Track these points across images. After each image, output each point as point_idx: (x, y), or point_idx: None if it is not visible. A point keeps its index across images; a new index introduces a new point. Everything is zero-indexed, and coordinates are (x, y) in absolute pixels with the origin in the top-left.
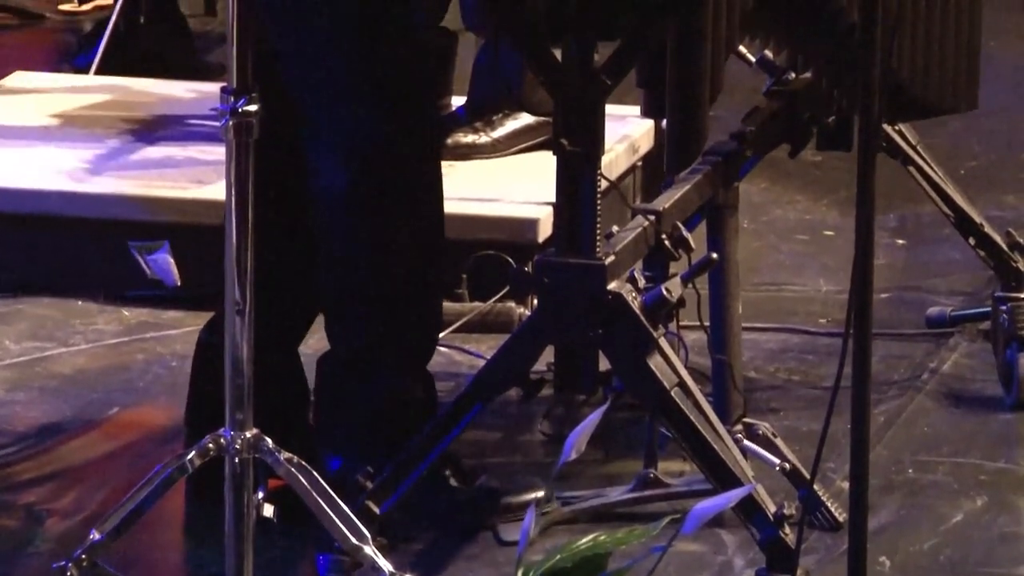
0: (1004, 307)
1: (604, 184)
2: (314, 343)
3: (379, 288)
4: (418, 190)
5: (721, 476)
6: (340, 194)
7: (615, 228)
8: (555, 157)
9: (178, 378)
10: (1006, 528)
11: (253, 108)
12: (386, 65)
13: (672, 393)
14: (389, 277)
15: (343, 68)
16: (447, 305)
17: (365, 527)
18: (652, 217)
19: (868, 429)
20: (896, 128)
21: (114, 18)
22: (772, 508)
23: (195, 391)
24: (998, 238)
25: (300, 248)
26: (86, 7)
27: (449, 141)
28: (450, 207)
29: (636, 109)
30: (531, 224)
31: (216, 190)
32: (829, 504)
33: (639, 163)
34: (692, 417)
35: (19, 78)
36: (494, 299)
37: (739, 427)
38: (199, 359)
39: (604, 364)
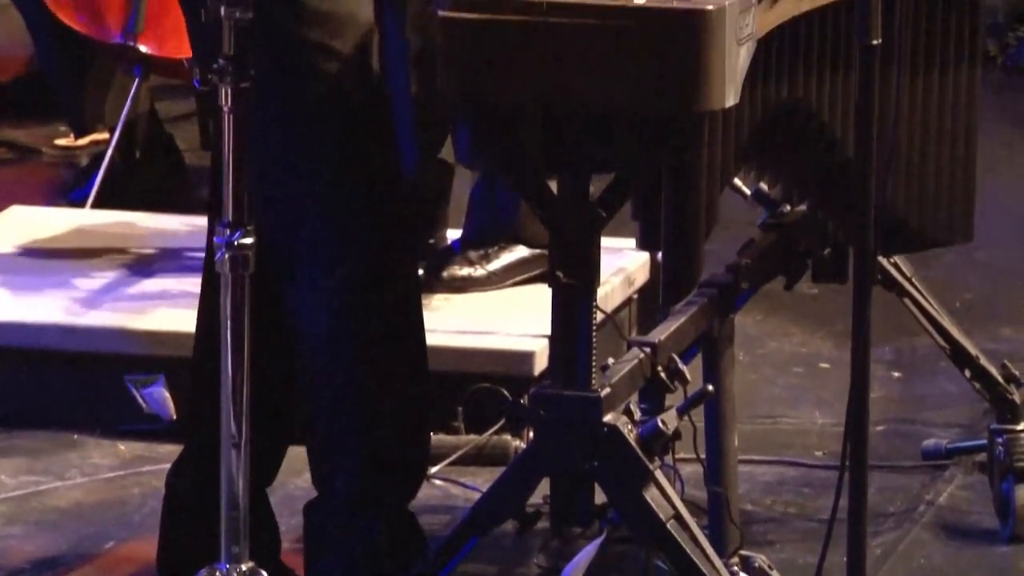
0: (1000, 439)
1: (600, 316)
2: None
3: (368, 427)
4: (401, 328)
5: None
6: (323, 335)
7: (611, 360)
8: (551, 289)
9: None
10: None
11: (248, 241)
12: (366, 209)
13: (668, 526)
14: (376, 415)
15: (323, 211)
16: (443, 438)
17: None
18: (648, 349)
19: (865, 562)
20: (891, 260)
21: (110, 152)
22: None
23: (165, 537)
24: (994, 370)
25: (275, 387)
26: (82, 142)
27: (445, 274)
28: (446, 340)
29: (632, 242)
30: (527, 357)
31: None
32: None
33: (635, 295)
34: (689, 550)
35: (15, 212)
36: (490, 432)
37: (736, 560)
38: (168, 504)
39: (600, 497)
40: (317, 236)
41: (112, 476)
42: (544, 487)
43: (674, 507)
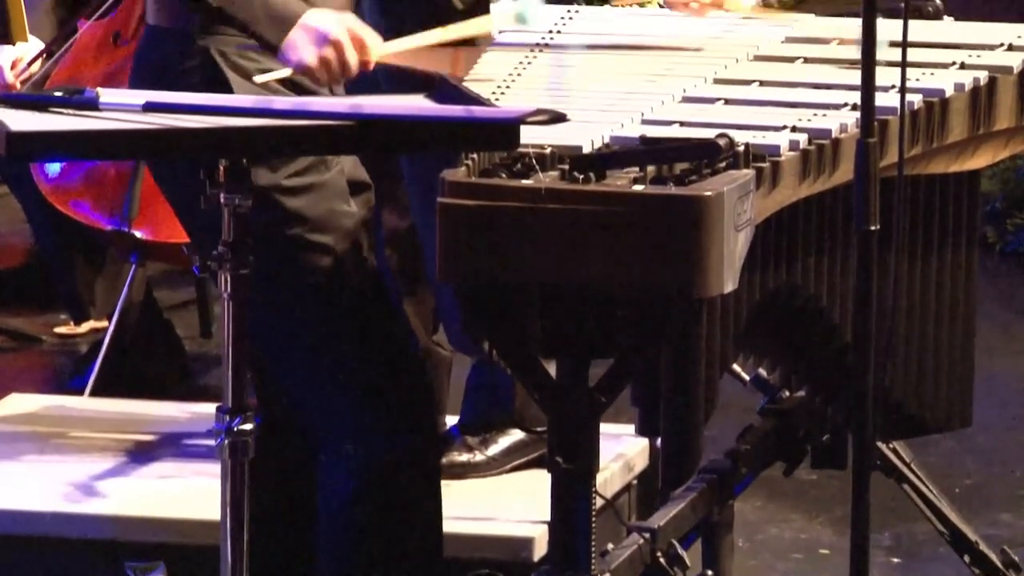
0: None
1: (599, 502)
2: None
3: None
4: (420, 505)
5: None
6: (345, 499)
7: (610, 546)
8: (550, 475)
9: None
10: None
11: (248, 427)
12: (385, 381)
13: None
14: None
15: (339, 390)
16: None
17: None
18: (647, 535)
19: None
20: (890, 446)
21: (107, 341)
22: None
23: None
24: (993, 556)
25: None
26: (81, 329)
27: (444, 460)
28: (445, 526)
29: (631, 427)
30: (526, 543)
31: (212, 510)
32: None
33: (634, 481)
34: None
35: (15, 400)
36: None
37: None
38: None
39: None
40: (337, 413)
41: None
42: None
43: None
